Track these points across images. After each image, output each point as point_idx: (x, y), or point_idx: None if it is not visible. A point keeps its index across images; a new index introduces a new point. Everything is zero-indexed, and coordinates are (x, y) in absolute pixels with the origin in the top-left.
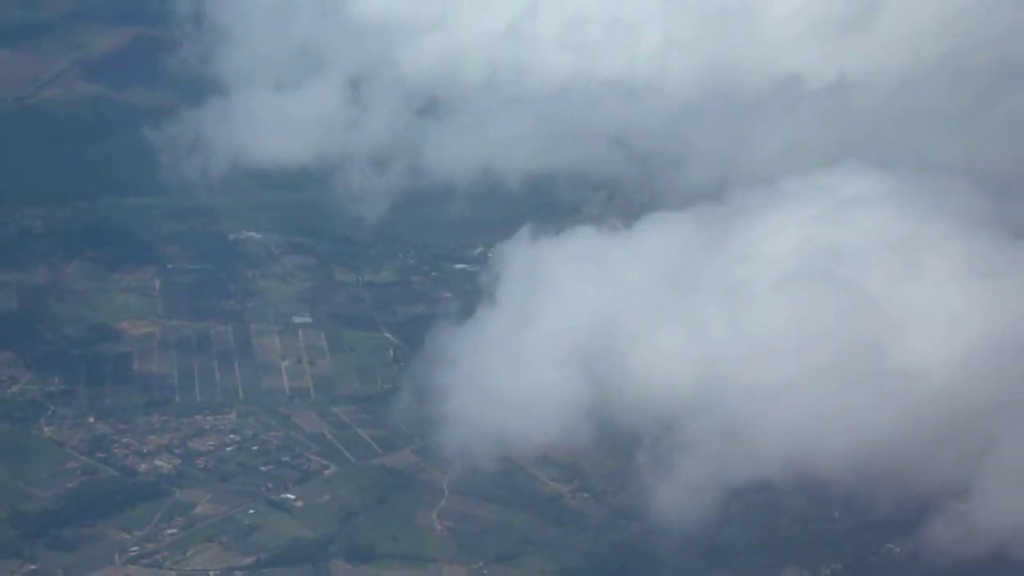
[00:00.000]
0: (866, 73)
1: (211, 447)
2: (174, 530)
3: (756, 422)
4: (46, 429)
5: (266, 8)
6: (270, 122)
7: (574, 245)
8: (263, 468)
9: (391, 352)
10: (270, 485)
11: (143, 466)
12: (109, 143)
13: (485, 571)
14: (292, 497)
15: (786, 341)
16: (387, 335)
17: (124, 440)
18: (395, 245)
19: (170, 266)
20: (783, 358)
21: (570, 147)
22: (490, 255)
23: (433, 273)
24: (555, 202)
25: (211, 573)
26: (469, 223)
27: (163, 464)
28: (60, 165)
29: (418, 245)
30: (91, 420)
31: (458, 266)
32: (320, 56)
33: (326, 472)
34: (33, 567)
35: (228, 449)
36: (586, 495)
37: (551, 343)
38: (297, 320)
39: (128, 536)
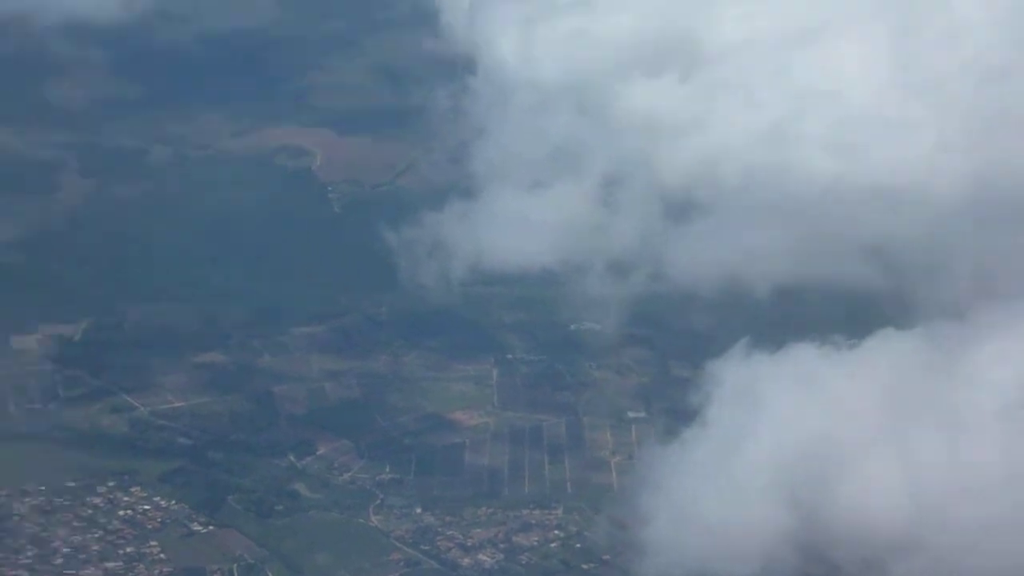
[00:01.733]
0: None
1: (535, 543)
2: None
3: (970, 565)
4: (373, 518)
5: (526, 105)
6: (518, 222)
7: (793, 363)
8: (584, 566)
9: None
10: None
11: (466, 560)
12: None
13: None
14: None
15: (1008, 476)
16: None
17: (449, 532)
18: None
19: (508, 356)
20: (1004, 495)
21: (822, 256)
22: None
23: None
24: (794, 314)
25: None
26: (708, 332)
27: (486, 559)
28: (409, 250)
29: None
30: (418, 511)
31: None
32: (576, 155)
33: None
34: None
35: (552, 545)
36: None
37: (759, 468)
38: (631, 415)
39: None
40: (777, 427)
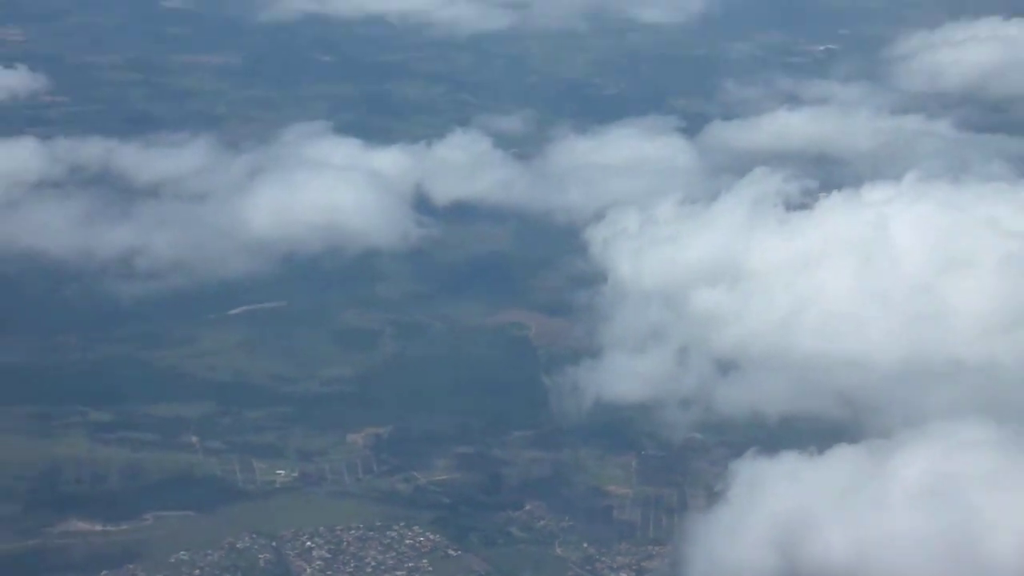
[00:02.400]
0: None
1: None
2: None
3: None
4: (558, 550)
5: (636, 303)
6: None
7: (833, 464)
8: None
9: None
10: None
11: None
12: None
13: None
14: None
15: None
16: None
17: (603, 559)
18: None
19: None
20: None
21: None
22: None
23: None
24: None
25: None
26: None
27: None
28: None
29: None
30: (584, 545)
31: None
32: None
33: None
34: None
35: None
36: None
37: None
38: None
39: None
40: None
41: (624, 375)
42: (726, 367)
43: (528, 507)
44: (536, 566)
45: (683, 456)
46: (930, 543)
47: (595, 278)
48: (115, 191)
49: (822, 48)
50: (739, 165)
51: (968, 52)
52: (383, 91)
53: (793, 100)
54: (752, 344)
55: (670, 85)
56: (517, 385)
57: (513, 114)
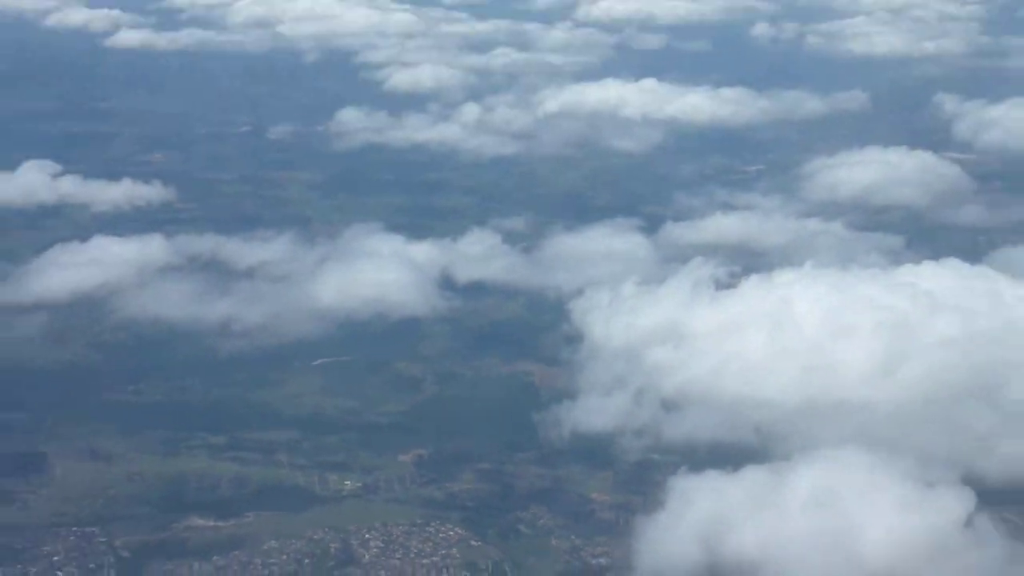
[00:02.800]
0: None
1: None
2: None
3: None
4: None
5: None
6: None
7: (745, 480)
8: None
9: None
10: None
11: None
12: None
13: None
14: None
15: None
16: None
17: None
18: None
19: None
20: None
21: None
22: None
23: None
24: None
25: None
26: None
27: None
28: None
29: None
30: (572, 537)
31: None
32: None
33: None
34: None
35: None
36: None
37: None
38: None
39: None
40: None
41: (598, 411)
42: (670, 406)
43: (532, 510)
44: (537, 553)
45: (643, 472)
46: (815, 541)
47: (578, 339)
48: (221, 274)
49: (752, 169)
50: (683, 256)
51: (856, 172)
52: (423, 201)
53: (727, 207)
54: (690, 389)
55: (636, 196)
56: (524, 418)
57: (519, 216)
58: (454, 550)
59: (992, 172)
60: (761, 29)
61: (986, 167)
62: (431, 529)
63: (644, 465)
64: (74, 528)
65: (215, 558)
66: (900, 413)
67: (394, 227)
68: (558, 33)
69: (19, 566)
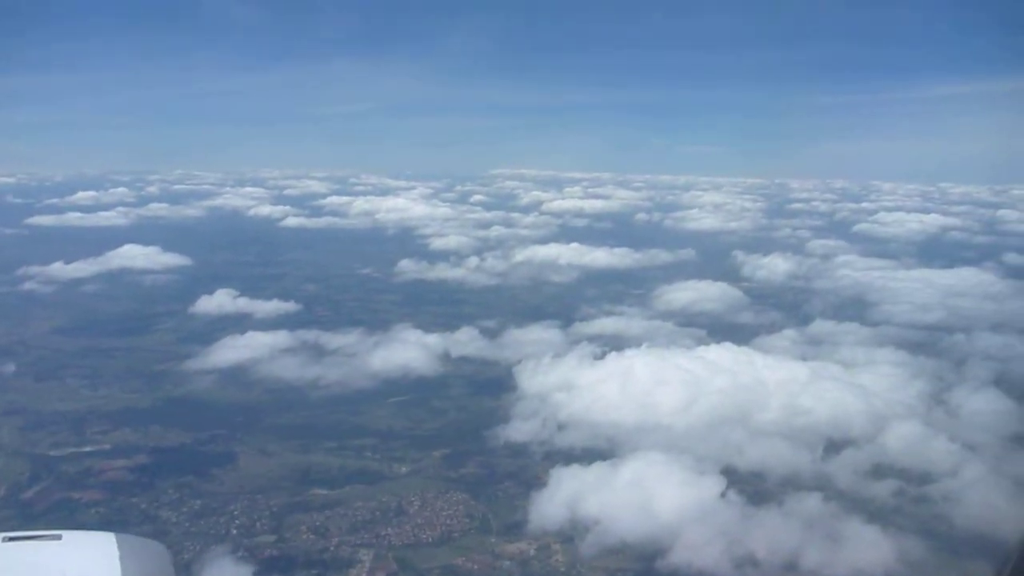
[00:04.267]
0: None
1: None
2: None
3: None
4: None
5: None
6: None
7: (598, 472)
8: None
9: None
10: None
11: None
12: None
13: None
14: None
15: None
16: None
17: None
18: None
19: None
20: None
21: None
22: None
23: None
24: None
25: None
26: None
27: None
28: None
29: None
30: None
31: None
32: None
33: None
34: None
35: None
36: None
37: None
38: None
39: None
40: None
41: (524, 430)
42: (562, 427)
43: (505, 484)
44: (510, 507)
45: (546, 463)
46: (632, 506)
47: (517, 388)
48: (318, 353)
49: (629, 293)
50: (580, 341)
51: (684, 294)
52: (439, 311)
53: (610, 314)
54: (573, 417)
55: (560, 308)
56: (496, 431)
57: (492, 319)
58: (460, 507)
59: (761, 294)
60: (641, 216)
61: (757, 292)
62: (448, 496)
63: (546, 459)
64: (248, 495)
65: (327, 512)
66: (689, 432)
67: (419, 326)
68: (529, 219)
69: (214, 518)
